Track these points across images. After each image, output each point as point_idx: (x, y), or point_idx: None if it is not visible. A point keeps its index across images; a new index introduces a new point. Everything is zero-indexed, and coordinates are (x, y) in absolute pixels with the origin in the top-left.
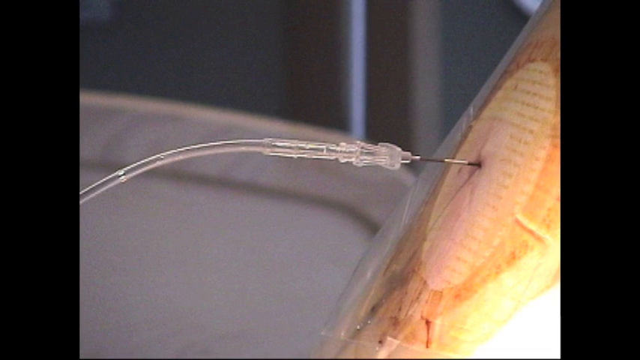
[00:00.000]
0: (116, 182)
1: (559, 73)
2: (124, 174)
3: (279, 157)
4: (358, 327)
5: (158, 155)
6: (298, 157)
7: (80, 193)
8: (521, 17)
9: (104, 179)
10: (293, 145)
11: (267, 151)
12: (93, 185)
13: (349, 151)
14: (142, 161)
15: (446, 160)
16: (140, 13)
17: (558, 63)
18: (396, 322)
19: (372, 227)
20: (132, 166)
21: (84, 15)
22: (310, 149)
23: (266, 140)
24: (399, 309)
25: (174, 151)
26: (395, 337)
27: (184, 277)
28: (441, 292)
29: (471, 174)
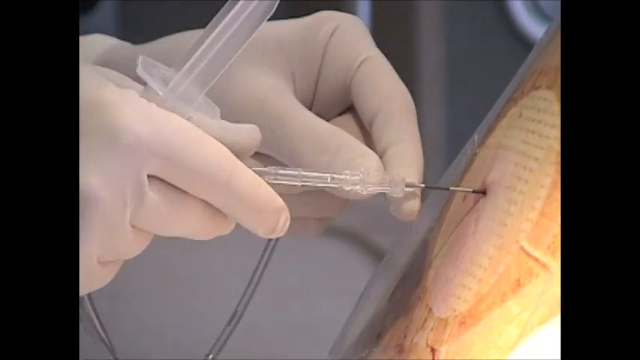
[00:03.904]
0: None
1: None
2: None
3: (283, 185)
4: (363, 354)
5: None
6: (302, 186)
7: None
8: (526, 45)
9: None
10: (297, 173)
11: (270, 180)
12: None
13: (354, 179)
14: None
15: (451, 188)
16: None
17: None
18: (401, 350)
19: (377, 254)
20: None
21: None
22: (314, 177)
23: (270, 168)
24: (405, 336)
25: None
26: None
27: (189, 305)
28: (447, 319)
29: (476, 201)
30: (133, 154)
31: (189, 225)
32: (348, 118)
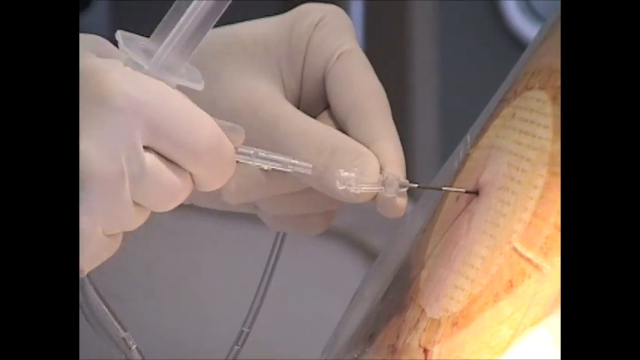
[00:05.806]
0: None
1: (556, 101)
2: None
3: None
4: (356, 354)
5: None
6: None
7: None
8: (519, 46)
9: None
10: (252, 152)
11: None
12: None
13: (348, 178)
14: None
15: (444, 188)
16: None
17: (556, 91)
18: (394, 350)
19: (370, 254)
20: None
21: None
22: (272, 160)
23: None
24: (397, 337)
25: None
26: None
27: (183, 305)
28: (439, 320)
29: (469, 202)
30: (124, 117)
31: (180, 196)
32: (329, 113)
